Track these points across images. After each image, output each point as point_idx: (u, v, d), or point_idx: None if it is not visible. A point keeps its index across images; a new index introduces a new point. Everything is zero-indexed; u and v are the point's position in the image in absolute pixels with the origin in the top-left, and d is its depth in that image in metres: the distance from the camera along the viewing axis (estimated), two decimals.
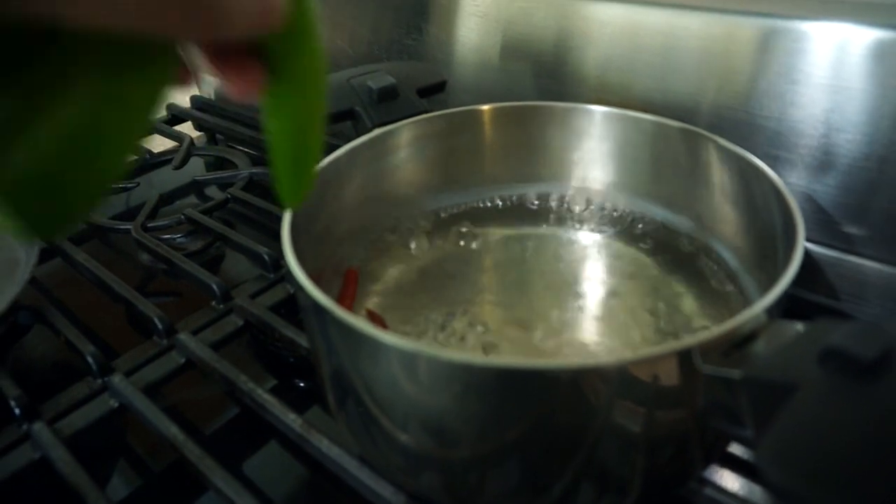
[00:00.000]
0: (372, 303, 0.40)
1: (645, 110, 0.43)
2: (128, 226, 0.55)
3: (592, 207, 0.47)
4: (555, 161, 0.47)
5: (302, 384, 0.43)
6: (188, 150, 0.68)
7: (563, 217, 0.47)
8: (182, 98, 0.81)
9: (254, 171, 0.63)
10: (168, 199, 0.64)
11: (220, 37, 0.17)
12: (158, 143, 0.73)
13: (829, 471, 0.18)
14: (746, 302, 0.37)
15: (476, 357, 0.33)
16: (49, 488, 0.35)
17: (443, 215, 0.47)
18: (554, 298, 0.40)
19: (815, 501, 0.18)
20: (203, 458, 0.33)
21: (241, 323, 0.44)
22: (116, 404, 0.38)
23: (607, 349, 0.37)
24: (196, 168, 0.71)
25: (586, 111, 0.45)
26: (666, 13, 0.48)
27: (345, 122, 0.53)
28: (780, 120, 0.44)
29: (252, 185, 0.62)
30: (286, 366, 0.44)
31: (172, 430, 0.35)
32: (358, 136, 0.42)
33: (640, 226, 0.45)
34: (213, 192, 0.67)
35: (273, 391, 0.37)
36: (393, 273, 0.43)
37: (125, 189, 0.65)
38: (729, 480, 0.33)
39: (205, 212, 0.56)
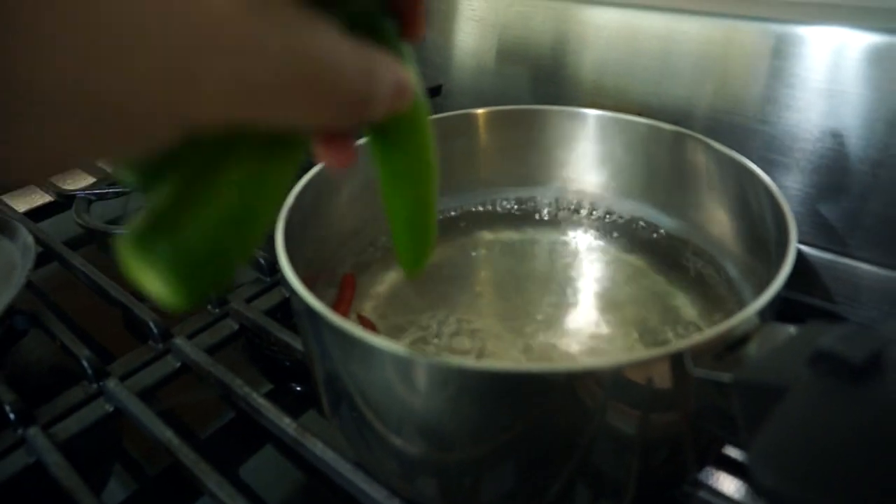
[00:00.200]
0: (367, 307, 0.40)
1: (641, 114, 0.43)
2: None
3: (587, 211, 0.47)
4: (550, 165, 0.47)
5: (298, 388, 0.43)
6: None
7: (558, 220, 0.47)
8: None
9: None
10: None
11: (363, 122, 0.18)
12: None
13: (819, 474, 0.18)
14: (741, 304, 0.37)
15: (469, 361, 0.33)
16: (44, 493, 0.35)
17: (438, 218, 0.47)
18: (549, 302, 0.40)
19: None
20: (198, 463, 0.33)
21: (236, 327, 0.44)
22: (111, 409, 0.38)
23: (601, 352, 0.37)
24: None
25: (581, 115, 0.45)
26: (663, 17, 0.48)
27: None
28: (775, 124, 0.44)
29: None
30: (282, 370, 0.44)
31: (167, 435, 0.35)
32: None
33: (634, 229, 0.45)
34: None
35: (268, 395, 0.37)
36: (388, 278, 0.43)
37: (123, 194, 0.65)
38: (725, 482, 0.33)
39: None
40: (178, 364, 0.41)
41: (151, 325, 0.42)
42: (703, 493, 0.31)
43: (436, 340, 0.38)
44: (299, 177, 0.36)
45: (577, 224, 0.47)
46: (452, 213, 0.48)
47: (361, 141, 0.23)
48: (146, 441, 0.36)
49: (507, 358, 0.36)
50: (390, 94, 0.18)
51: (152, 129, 0.13)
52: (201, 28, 0.13)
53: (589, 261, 0.44)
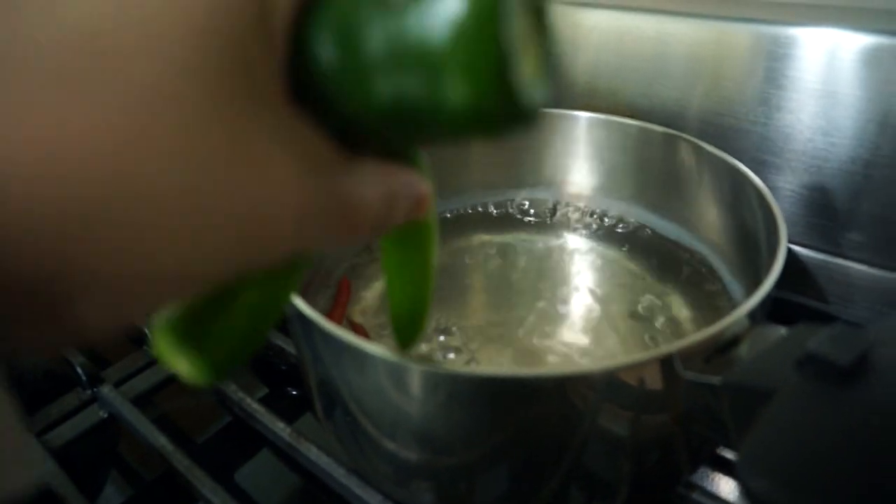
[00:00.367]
0: (362, 311, 0.40)
1: (633, 116, 0.44)
2: None
3: (579, 212, 0.47)
4: (541, 167, 0.47)
5: (294, 392, 0.43)
6: None
7: (550, 222, 0.47)
8: None
9: None
10: None
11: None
12: None
13: (806, 476, 0.18)
14: (733, 305, 0.37)
15: (460, 367, 0.33)
16: (38, 501, 0.34)
17: None
18: (541, 304, 0.40)
19: None
20: (192, 469, 0.33)
21: None
22: (106, 415, 0.38)
23: (594, 355, 0.37)
24: None
25: (572, 117, 0.45)
26: (655, 19, 0.48)
27: None
28: (767, 125, 0.44)
29: None
30: (278, 374, 0.44)
31: (161, 441, 0.35)
32: None
33: (626, 230, 0.45)
34: None
35: (264, 400, 0.37)
36: (381, 282, 0.43)
37: None
38: (719, 484, 0.33)
39: None
40: None
41: (146, 330, 0.42)
42: (696, 495, 0.31)
43: (428, 344, 0.38)
44: None
45: (569, 226, 0.47)
46: (446, 216, 0.48)
47: None
48: (142, 447, 0.36)
49: (500, 361, 0.37)
50: (408, 209, 0.18)
51: (210, 282, 0.14)
52: (268, 208, 0.13)
53: (581, 262, 0.44)
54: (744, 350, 0.25)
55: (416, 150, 0.20)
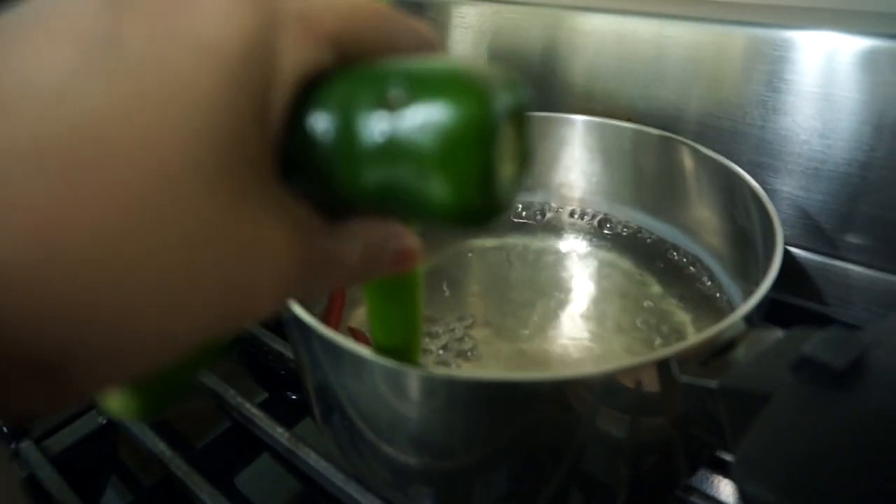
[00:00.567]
0: (358, 316, 0.40)
1: (631, 119, 0.44)
2: None
3: (577, 215, 0.47)
4: (540, 170, 0.47)
5: (293, 396, 0.43)
6: None
7: (548, 225, 0.47)
8: None
9: None
10: None
11: None
12: None
13: (802, 480, 0.18)
14: (731, 307, 0.37)
15: (458, 371, 0.33)
16: None
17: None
18: (539, 307, 0.40)
19: None
20: (191, 474, 0.33)
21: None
22: (104, 421, 0.38)
23: (592, 357, 0.37)
24: None
25: (568, 120, 0.45)
26: (652, 23, 0.49)
27: None
28: (764, 127, 0.44)
29: None
30: (277, 378, 0.44)
31: (160, 446, 0.35)
32: None
33: (623, 233, 0.45)
34: None
35: (263, 404, 0.37)
36: None
37: None
38: (718, 487, 0.33)
39: None
40: None
41: None
42: (694, 498, 0.31)
43: (427, 347, 0.38)
44: None
45: (566, 229, 0.47)
46: None
47: None
48: (141, 452, 0.36)
49: (497, 364, 0.37)
50: (392, 263, 0.18)
51: (194, 344, 0.14)
52: (257, 277, 0.14)
53: (578, 265, 0.44)
54: (740, 353, 0.25)
55: None
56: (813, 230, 0.43)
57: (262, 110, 0.13)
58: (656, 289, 0.41)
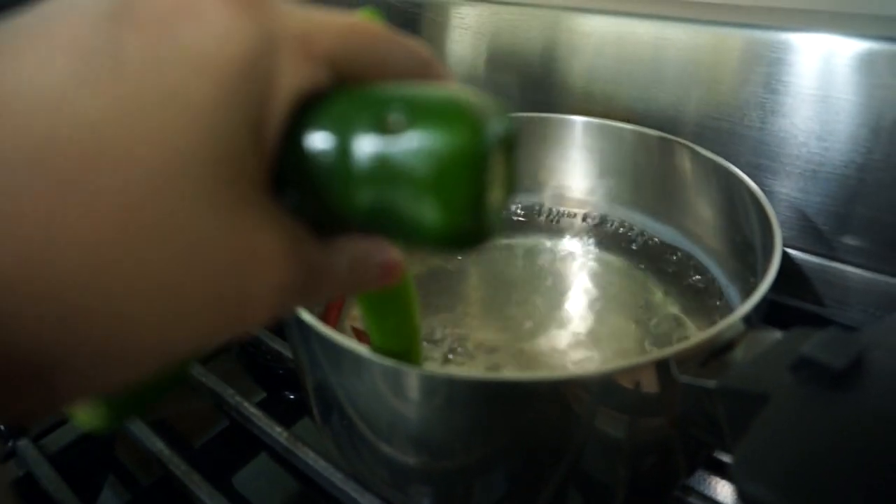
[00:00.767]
0: (357, 317, 0.40)
1: (629, 120, 0.44)
2: None
3: (575, 216, 0.47)
4: (539, 171, 0.47)
5: (291, 396, 0.43)
6: None
7: (547, 227, 0.47)
8: None
9: None
10: None
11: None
12: None
13: (801, 480, 0.18)
14: (729, 309, 0.38)
15: (458, 371, 0.33)
16: None
17: None
18: (538, 308, 0.40)
19: None
20: (189, 473, 0.33)
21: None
22: None
23: (591, 358, 0.37)
24: None
25: (568, 121, 0.45)
26: (651, 25, 0.49)
27: None
28: (762, 129, 0.44)
29: None
30: (275, 378, 0.44)
31: (159, 445, 0.35)
32: None
33: (623, 234, 0.46)
34: None
35: (261, 404, 0.37)
36: None
37: None
38: (716, 487, 0.33)
39: None
40: None
41: None
42: (693, 499, 0.31)
43: (427, 347, 0.38)
44: None
45: (565, 230, 0.47)
46: None
47: None
48: (139, 451, 0.36)
49: (496, 364, 0.37)
50: (377, 277, 0.19)
51: (186, 353, 0.14)
52: (251, 288, 0.14)
53: (577, 266, 0.44)
54: (739, 354, 0.25)
55: None
56: (811, 232, 0.44)
57: (259, 126, 0.14)
58: (655, 289, 0.41)
